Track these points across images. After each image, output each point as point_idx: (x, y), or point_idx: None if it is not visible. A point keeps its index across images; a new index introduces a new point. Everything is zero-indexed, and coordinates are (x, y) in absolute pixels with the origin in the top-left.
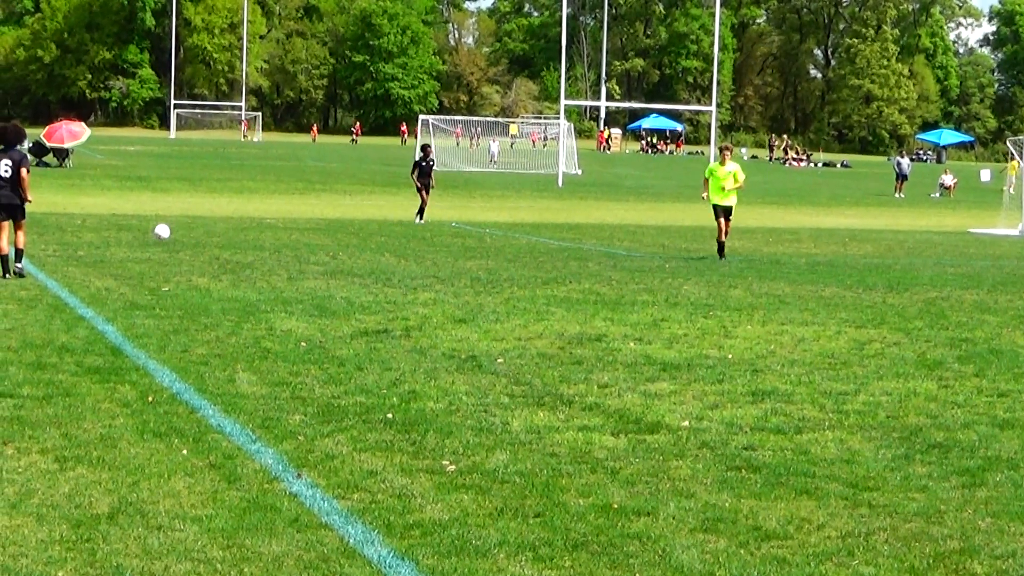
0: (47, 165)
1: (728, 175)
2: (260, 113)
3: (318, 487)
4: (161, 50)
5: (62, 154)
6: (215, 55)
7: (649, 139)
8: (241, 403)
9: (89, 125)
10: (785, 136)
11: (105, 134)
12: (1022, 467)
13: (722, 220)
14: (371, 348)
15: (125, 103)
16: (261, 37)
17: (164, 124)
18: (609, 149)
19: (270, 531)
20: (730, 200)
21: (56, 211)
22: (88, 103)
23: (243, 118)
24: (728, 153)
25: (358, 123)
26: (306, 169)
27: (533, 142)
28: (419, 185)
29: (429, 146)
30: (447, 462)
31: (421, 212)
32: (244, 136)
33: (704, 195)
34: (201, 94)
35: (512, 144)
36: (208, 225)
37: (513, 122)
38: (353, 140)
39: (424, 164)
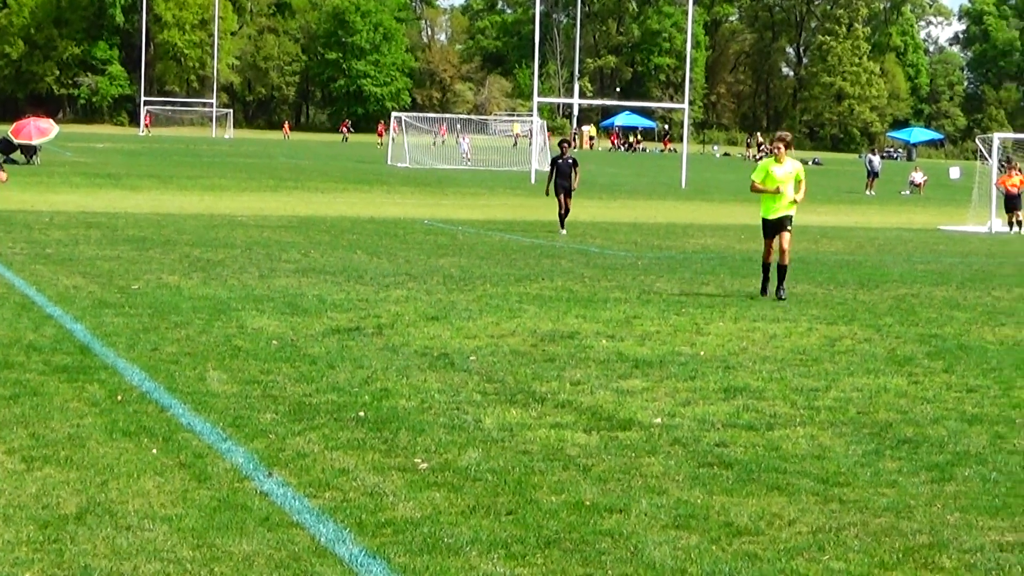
0: (14, 162)
1: (788, 177)
2: (231, 110)
3: (289, 486)
4: (131, 46)
5: (30, 151)
6: (186, 52)
7: (627, 137)
8: (211, 402)
9: (58, 122)
10: (758, 134)
11: (74, 131)
12: (990, 462)
13: (773, 243)
14: (343, 346)
15: (94, 100)
16: (232, 34)
17: (134, 121)
18: (591, 147)
19: (240, 530)
20: (788, 210)
21: (24, 208)
22: (56, 100)
23: (143, 112)
24: (784, 147)
25: (347, 120)
26: (277, 166)
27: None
28: (558, 189)
29: (568, 141)
30: (419, 460)
31: (562, 220)
32: (144, 131)
33: (773, 189)
34: (172, 91)
35: (516, 143)
36: (178, 223)
37: (515, 121)
38: (344, 139)
39: (562, 162)
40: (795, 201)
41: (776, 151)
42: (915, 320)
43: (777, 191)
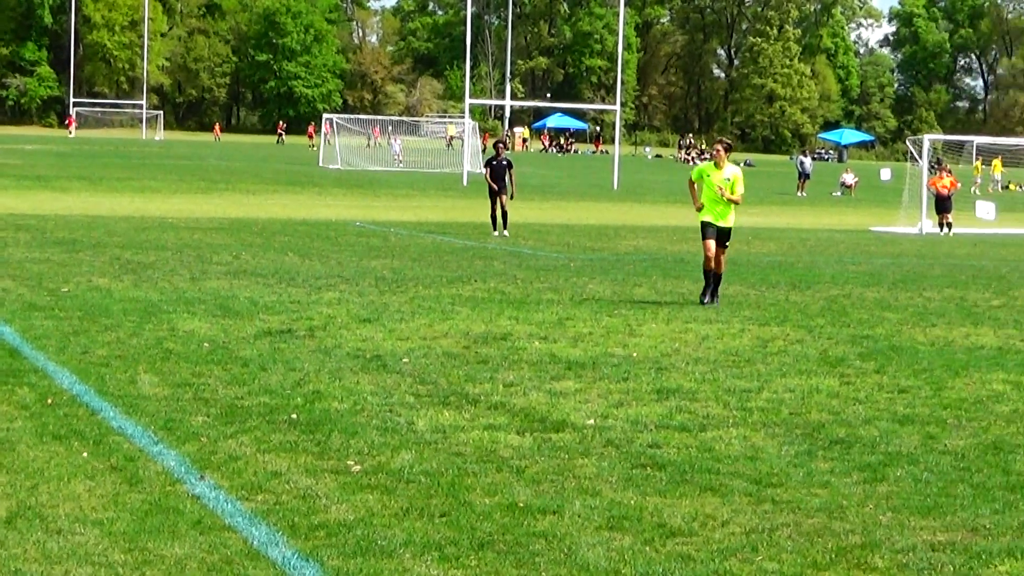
0: None
1: (724, 185)
2: (162, 112)
3: (221, 489)
4: (60, 48)
5: None
6: (115, 53)
7: (558, 138)
8: (143, 405)
9: None
10: (690, 136)
11: (2, 133)
12: (922, 462)
13: (711, 243)
14: (275, 348)
15: (23, 101)
16: (162, 35)
17: (63, 123)
18: (524, 149)
19: (173, 534)
20: (727, 219)
21: None
22: None
23: (73, 114)
24: (723, 151)
25: (282, 122)
26: (208, 168)
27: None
28: (494, 189)
29: (502, 143)
30: (352, 462)
31: (494, 221)
32: (71, 133)
33: (697, 206)
34: (101, 92)
35: (449, 145)
36: (109, 225)
37: (451, 122)
38: (279, 140)
39: (496, 163)
40: (733, 202)
41: (715, 155)
42: (847, 321)
43: (699, 209)
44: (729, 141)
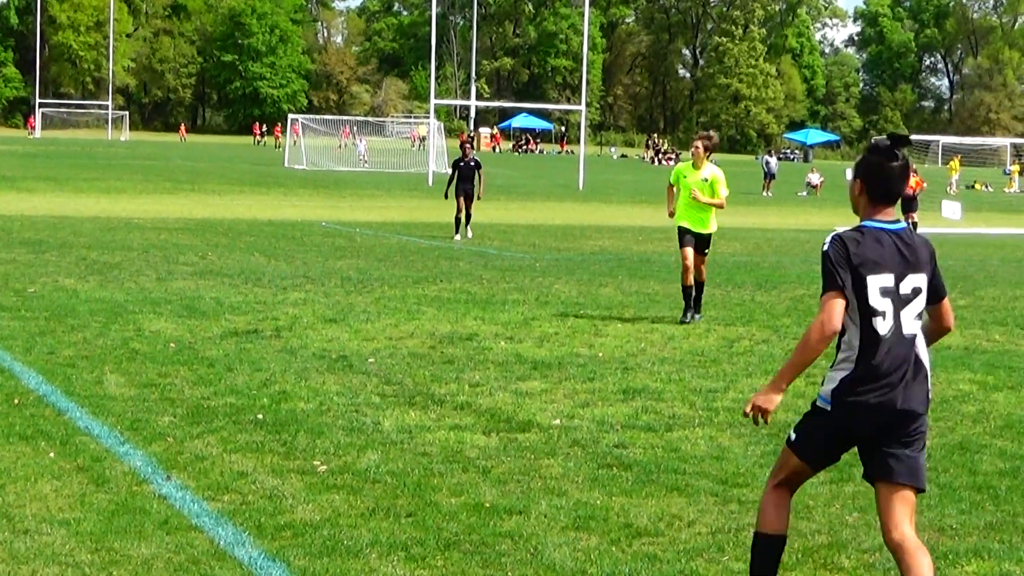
0: None
1: (701, 185)
2: (127, 112)
3: (188, 489)
4: (26, 48)
5: None
6: (81, 53)
7: (520, 138)
8: (109, 405)
9: None
10: (655, 136)
11: None
12: None
13: (689, 251)
14: (241, 348)
15: None
16: (128, 36)
17: (28, 123)
18: (492, 149)
19: (139, 534)
20: (706, 224)
21: None
22: None
23: (39, 114)
24: (702, 149)
25: (257, 123)
26: (174, 168)
27: (413, 141)
28: (458, 192)
29: (468, 143)
30: (318, 462)
31: (457, 224)
32: (37, 134)
33: (670, 211)
34: (67, 93)
35: (421, 146)
36: (75, 225)
37: (420, 123)
38: (258, 141)
39: (464, 164)
40: (716, 206)
41: (693, 153)
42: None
43: (671, 215)
44: (711, 136)
